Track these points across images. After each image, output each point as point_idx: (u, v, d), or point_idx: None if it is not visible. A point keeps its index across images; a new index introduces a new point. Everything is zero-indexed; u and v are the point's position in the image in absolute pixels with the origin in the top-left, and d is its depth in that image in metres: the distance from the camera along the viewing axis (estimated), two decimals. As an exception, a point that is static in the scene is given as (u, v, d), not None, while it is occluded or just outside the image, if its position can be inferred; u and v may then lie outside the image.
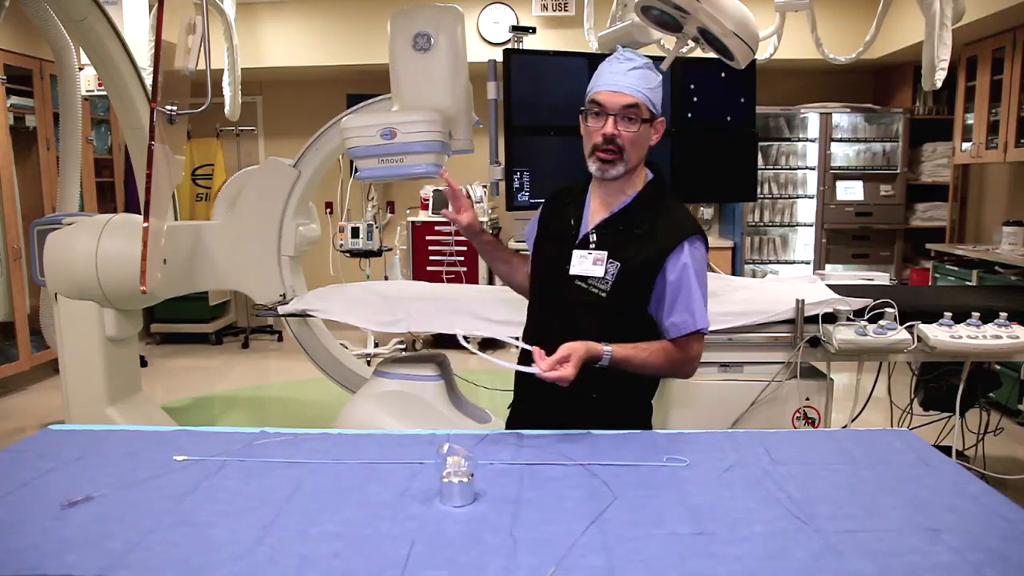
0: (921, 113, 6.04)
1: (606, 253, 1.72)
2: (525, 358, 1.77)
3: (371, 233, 5.51)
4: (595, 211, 1.80)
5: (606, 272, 1.71)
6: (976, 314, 2.62)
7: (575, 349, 1.58)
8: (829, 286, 2.97)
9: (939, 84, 2.78)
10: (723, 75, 2.94)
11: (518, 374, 1.86)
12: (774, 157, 6.17)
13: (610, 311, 1.71)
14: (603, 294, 1.71)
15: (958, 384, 2.76)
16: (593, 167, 1.74)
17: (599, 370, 1.66)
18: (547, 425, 1.67)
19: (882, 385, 3.10)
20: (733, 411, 2.66)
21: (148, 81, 3.89)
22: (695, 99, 3.09)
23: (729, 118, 3.16)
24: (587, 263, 1.73)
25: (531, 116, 2.86)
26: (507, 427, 1.88)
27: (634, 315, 1.74)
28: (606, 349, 1.64)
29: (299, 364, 4.89)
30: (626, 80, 1.68)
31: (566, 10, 5.69)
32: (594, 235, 1.75)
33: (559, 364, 1.56)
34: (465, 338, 1.72)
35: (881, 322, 2.60)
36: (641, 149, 1.73)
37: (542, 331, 1.78)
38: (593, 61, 2.92)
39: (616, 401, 1.77)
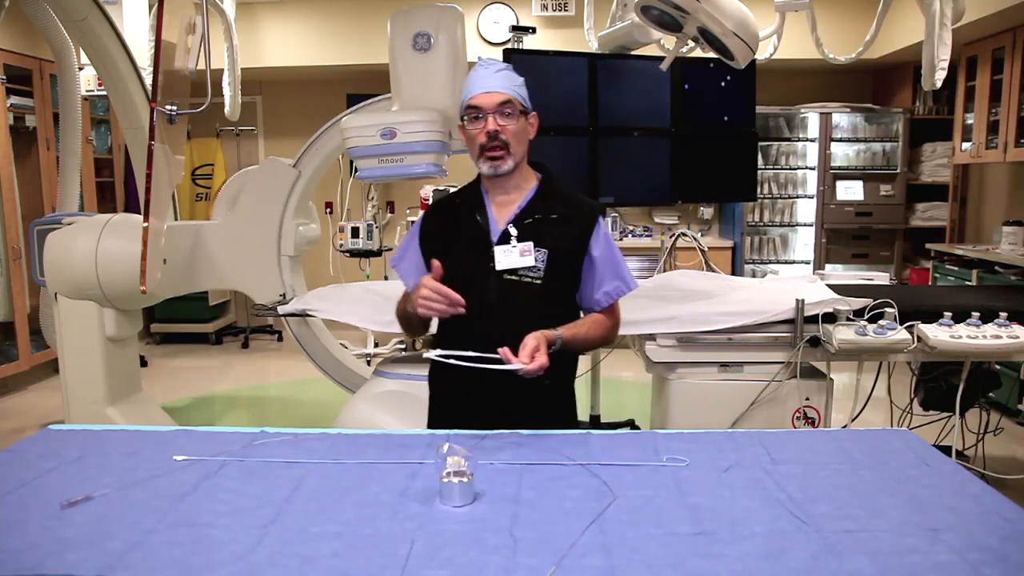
0: (921, 113, 6.03)
1: (531, 243, 1.78)
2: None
3: (371, 233, 5.50)
4: (500, 209, 1.83)
5: (536, 260, 1.77)
6: (976, 314, 2.61)
7: (538, 338, 1.63)
8: (829, 286, 2.97)
9: (939, 84, 2.78)
10: (723, 75, 2.94)
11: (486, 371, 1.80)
12: (774, 157, 6.17)
13: (546, 297, 1.77)
14: (538, 281, 1.77)
15: (958, 384, 2.76)
16: (484, 167, 1.80)
17: (551, 356, 1.67)
18: (489, 420, 1.67)
19: (882, 385, 3.09)
20: (733, 411, 2.67)
21: (148, 81, 3.89)
22: (695, 99, 3.09)
23: (729, 118, 3.16)
24: (514, 256, 1.78)
25: (530, 116, 2.86)
26: (428, 427, 1.87)
27: (567, 297, 1.84)
28: (555, 333, 1.69)
29: (299, 364, 4.88)
30: (494, 81, 1.79)
31: (566, 10, 5.69)
32: (513, 229, 1.80)
33: (534, 354, 1.60)
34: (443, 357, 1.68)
35: (881, 322, 2.59)
36: (523, 142, 1.82)
37: (473, 333, 1.73)
38: (593, 61, 2.95)
39: (560, 386, 1.86)
